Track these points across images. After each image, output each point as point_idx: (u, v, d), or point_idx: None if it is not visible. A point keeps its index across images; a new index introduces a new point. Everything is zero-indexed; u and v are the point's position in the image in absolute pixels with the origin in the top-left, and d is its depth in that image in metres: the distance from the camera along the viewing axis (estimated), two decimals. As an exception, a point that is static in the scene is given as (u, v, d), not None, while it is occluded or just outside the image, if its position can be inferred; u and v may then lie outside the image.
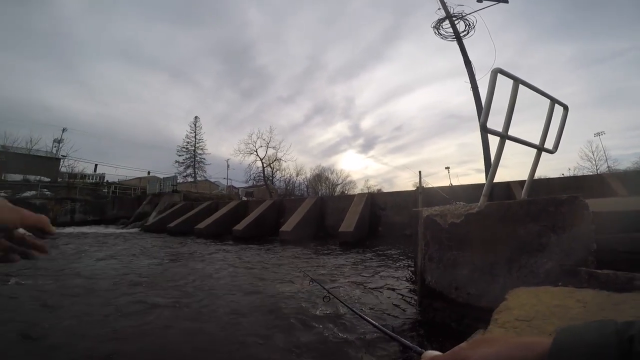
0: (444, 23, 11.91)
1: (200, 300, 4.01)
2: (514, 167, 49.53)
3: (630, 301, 1.50)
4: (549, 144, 2.93)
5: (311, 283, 2.16)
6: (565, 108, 2.89)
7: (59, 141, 34.45)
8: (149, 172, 39.41)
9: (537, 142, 2.85)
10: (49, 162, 31.85)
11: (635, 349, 0.35)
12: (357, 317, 1.44)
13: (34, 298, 4.04)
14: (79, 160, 34.94)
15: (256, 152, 35.45)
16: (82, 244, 10.19)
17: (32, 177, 25.83)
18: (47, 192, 23.33)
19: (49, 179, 27.12)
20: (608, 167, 31.83)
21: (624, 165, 33.83)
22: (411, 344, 0.79)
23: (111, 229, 17.73)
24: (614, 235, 2.30)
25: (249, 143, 35.53)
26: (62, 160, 33.74)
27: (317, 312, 3.44)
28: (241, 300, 4.03)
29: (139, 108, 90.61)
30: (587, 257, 2.03)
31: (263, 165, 35.94)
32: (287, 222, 11.95)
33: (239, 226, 12.62)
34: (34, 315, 3.42)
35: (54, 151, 34.00)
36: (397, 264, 6.33)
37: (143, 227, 17.15)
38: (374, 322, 1.14)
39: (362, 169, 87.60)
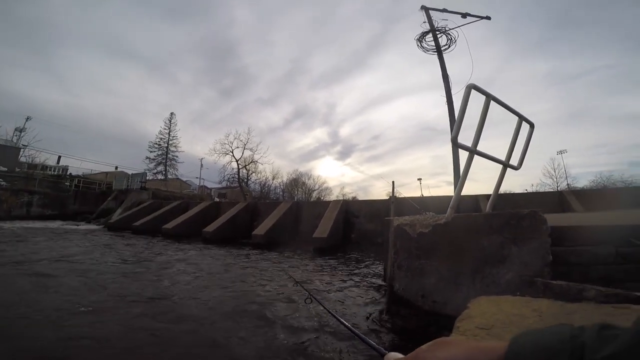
0: (427, 36, 12.31)
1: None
2: (484, 181, 51.82)
3: (581, 311, 1.60)
4: (514, 160, 3.09)
5: (295, 285, 2.16)
6: (532, 126, 3.05)
7: (20, 130, 32.36)
8: (116, 167, 37.69)
9: (504, 157, 2.99)
10: (8, 151, 29.70)
11: (587, 356, 0.37)
12: (330, 316, 1.45)
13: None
14: (41, 151, 32.85)
15: (232, 152, 34.82)
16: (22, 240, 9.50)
17: (-14, 166, 23.93)
18: (2, 182, 21.66)
19: (6, 169, 25.21)
20: (568, 184, 33.89)
21: (582, 183, 36.15)
22: (376, 345, 0.80)
23: (69, 225, 16.66)
24: (568, 247, 2.44)
25: (225, 143, 34.84)
26: (22, 149, 31.59)
27: (293, 313, 3.40)
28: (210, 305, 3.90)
29: (112, 101, 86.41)
30: (544, 268, 2.15)
31: (238, 166, 35.32)
32: (261, 226, 11.77)
33: (210, 227, 12.28)
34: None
35: (14, 140, 31.81)
36: (368, 271, 6.39)
37: (106, 225, 16.29)
38: (344, 321, 1.15)
39: (338, 176, 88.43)
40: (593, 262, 2.36)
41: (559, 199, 12.07)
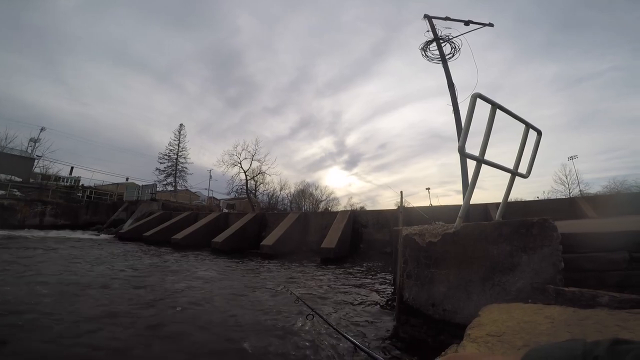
0: (431, 45, 12.37)
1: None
2: (493, 189, 51.10)
3: (594, 317, 1.59)
4: (523, 168, 3.09)
5: (296, 302, 2.17)
6: (539, 133, 3.06)
7: (35, 140, 33.12)
8: (127, 179, 38.23)
9: (512, 165, 3.00)
10: (23, 162, 30.43)
11: None
12: (332, 329, 1.47)
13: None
14: (55, 162, 33.55)
15: (240, 164, 35.10)
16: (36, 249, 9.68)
17: (2, 176, 24.58)
18: (17, 193, 22.21)
19: (21, 179, 25.86)
20: (580, 190, 33.10)
21: (595, 189, 35.17)
22: (380, 358, 0.80)
23: (82, 235, 16.91)
24: (582, 254, 2.42)
25: (233, 154, 35.11)
26: (36, 160, 32.35)
27: (296, 324, 3.40)
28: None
29: (120, 110, 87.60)
30: (556, 275, 2.13)
31: (247, 177, 35.56)
32: (269, 236, 11.79)
33: (219, 238, 12.35)
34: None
35: (29, 150, 32.61)
36: (377, 281, 6.34)
37: (117, 235, 16.51)
38: (350, 337, 1.16)
39: (345, 186, 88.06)
40: (607, 268, 2.33)
41: (571, 206, 11.84)
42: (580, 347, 0.41)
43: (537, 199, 23.73)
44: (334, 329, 1.39)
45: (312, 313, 1.69)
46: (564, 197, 28.39)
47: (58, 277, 5.52)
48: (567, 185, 35.49)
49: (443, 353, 1.76)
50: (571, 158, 35.19)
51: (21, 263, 6.79)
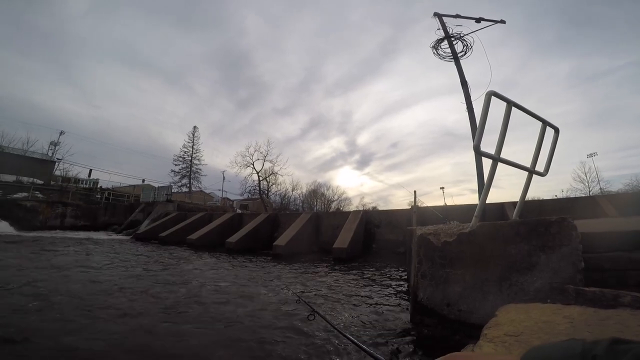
0: (442, 43, 12.18)
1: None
2: (509, 188, 50.02)
3: (615, 317, 1.55)
4: (540, 167, 3.03)
5: (298, 302, 2.19)
6: (556, 131, 2.99)
7: (55, 144, 34.31)
8: (143, 180, 39.16)
9: (529, 164, 2.95)
10: (44, 165, 31.61)
11: None
12: (335, 332, 1.48)
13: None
14: (74, 164, 34.70)
15: (253, 165, 35.48)
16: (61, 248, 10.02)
17: (25, 179, 25.58)
18: (39, 195, 23.06)
19: (42, 182, 26.84)
20: (600, 188, 32.03)
21: (616, 186, 33.95)
22: (380, 357, 0.81)
23: (102, 235, 17.42)
24: (602, 254, 2.37)
25: (245, 156, 35.55)
26: (57, 163, 33.51)
27: (299, 324, 3.42)
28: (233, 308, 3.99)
29: (133, 113, 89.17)
30: (575, 275, 2.09)
31: (259, 178, 35.89)
32: (282, 237, 11.88)
33: (233, 238, 12.52)
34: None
35: (50, 154, 33.79)
36: (390, 281, 6.31)
37: (134, 235, 16.92)
38: (350, 336, 1.16)
39: (357, 186, 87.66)
40: (629, 268, 2.27)
41: (591, 204, 11.47)
42: (579, 346, 0.42)
43: (555, 197, 23.14)
44: (333, 327, 1.40)
45: (312, 312, 1.71)
46: (583, 195, 27.58)
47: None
48: (586, 183, 34.46)
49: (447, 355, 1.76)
50: (590, 155, 34.07)
51: (83, 264, 7.06)
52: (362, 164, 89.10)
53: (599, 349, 0.39)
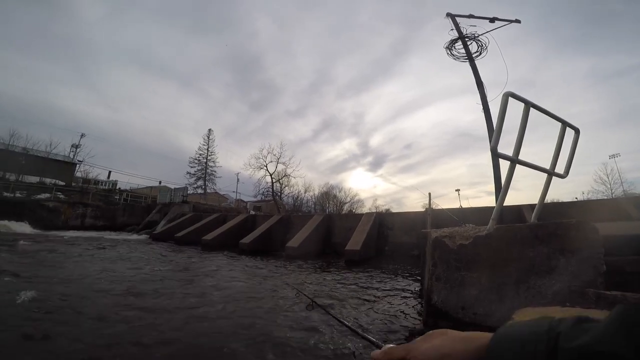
0: (456, 44, 11.98)
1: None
2: (527, 190, 48.53)
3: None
4: (560, 168, 2.96)
5: (297, 295, 2.25)
6: (577, 131, 2.91)
7: (76, 146, 35.53)
8: (160, 182, 40.09)
9: (548, 165, 2.89)
10: (66, 167, 32.79)
11: (561, 345, 0.40)
12: (335, 321, 1.52)
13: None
14: (94, 166, 35.85)
15: (266, 167, 35.80)
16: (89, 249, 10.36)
17: (48, 180, 26.59)
18: (61, 196, 23.92)
19: (64, 183, 27.85)
20: (623, 190, 30.72)
21: (640, 188, 32.58)
22: (375, 340, 0.85)
23: (122, 235, 17.93)
24: (624, 257, 2.30)
25: (259, 158, 35.91)
26: (78, 165, 34.70)
27: (299, 313, 3.44)
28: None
29: (149, 116, 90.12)
30: (596, 278, 2.04)
31: (272, 180, 36.20)
32: (294, 238, 11.93)
33: (246, 239, 12.65)
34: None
35: (71, 156, 35.01)
36: (403, 284, 6.25)
37: (151, 235, 17.33)
38: (345, 321, 1.21)
39: (370, 188, 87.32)
40: (652, 273, 2.20)
41: (613, 207, 11.03)
42: (546, 324, 0.44)
43: (576, 199, 22.38)
44: (331, 314, 1.43)
45: (311, 303, 1.74)
46: (605, 197, 26.58)
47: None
48: (609, 185, 33.19)
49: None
50: (613, 156, 32.78)
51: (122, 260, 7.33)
52: (375, 165, 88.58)
53: (564, 326, 0.42)
